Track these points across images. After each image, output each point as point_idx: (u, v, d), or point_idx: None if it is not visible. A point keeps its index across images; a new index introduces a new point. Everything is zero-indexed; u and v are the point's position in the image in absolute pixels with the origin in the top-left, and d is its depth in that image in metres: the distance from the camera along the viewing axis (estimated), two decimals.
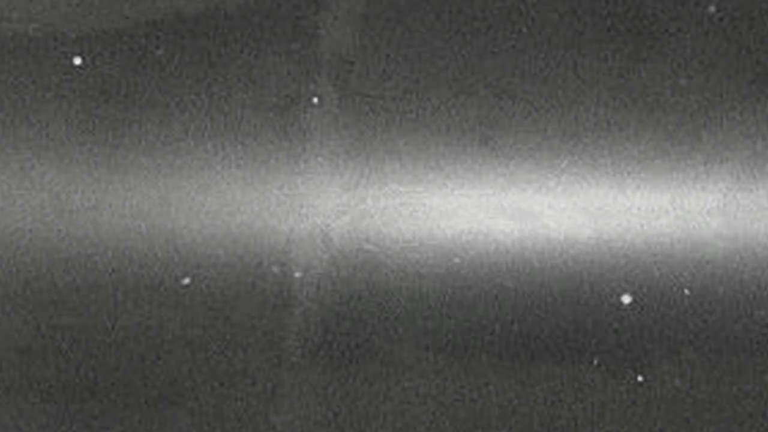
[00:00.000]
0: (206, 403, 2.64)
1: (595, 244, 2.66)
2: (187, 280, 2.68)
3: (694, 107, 2.63)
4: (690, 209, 2.60)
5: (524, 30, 2.68)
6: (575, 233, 2.70)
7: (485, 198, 2.67)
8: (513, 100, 2.67)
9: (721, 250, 2.57)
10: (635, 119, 2.65)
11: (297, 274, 2.65)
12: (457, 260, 2.68)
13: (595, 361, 2.54)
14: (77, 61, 2.72)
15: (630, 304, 2.56)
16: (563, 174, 2.66)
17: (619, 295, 2.56)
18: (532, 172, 2.66)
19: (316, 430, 2.67)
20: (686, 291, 2.59)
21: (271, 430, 2.67)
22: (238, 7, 2.72)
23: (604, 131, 2.64)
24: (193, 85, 2.71)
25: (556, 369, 2.64)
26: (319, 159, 2.72)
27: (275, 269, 2.69)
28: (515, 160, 2.65)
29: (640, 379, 2.54)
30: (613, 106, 2.65)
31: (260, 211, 2.69)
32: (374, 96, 2.66)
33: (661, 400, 2.55)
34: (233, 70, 2.68)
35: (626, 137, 2.65)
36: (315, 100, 2.66)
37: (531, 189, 2.69)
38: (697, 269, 2.57)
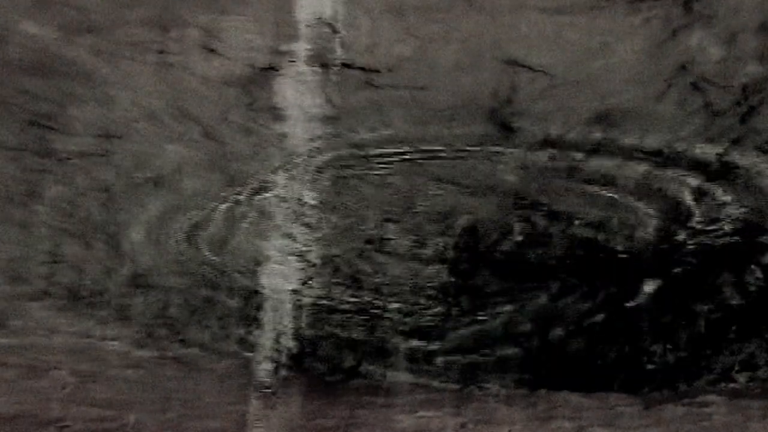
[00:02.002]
0: None
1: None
2: (138, 294, 2.37)
3: (744, 81, 2.29)
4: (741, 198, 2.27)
5: None
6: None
7: (492, 193, 2.32)
8: (531, 72, 2.31)
9: None
10: (676, 93, 2.29)
11: (267, 284, 2.35)
12: (462, 265, 2.40)
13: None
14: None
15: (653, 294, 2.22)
16: (593, 159, 2.30)
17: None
18: (556, 157, 2.30)
19: None
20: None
21: None
22: None
23: (640, 108, 2.29)
24: (141, 53, 2.30)
25: (580, 399, 2.30)
26: (296, 143, 2.34)
27: (242, 278, 2.36)
28: (535, 143, 2.29)
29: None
30: (650, 79, 2.30)
31: (222, 212, 2.33)
32: (362, 68, 2.28)
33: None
34: (191, 35, 2.31)
35: (666, 113, 2.30)
36: (291, 71, 2.29)
37: (551, 181, 2.32)
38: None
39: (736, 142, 2.29)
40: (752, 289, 2.24)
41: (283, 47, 2.32)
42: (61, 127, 2.36)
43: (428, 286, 2.35)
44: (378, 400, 2.29)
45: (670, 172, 2.29)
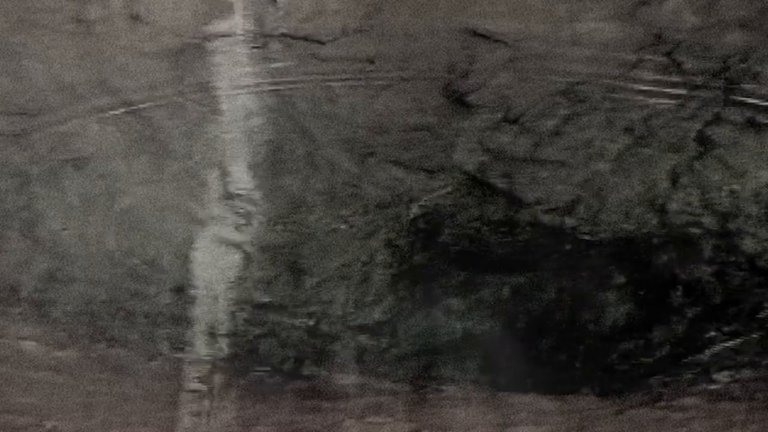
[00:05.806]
0: None
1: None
2: (57, 288, 2.23)
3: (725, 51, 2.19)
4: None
5: None
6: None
7: (447, 176, 2.19)
8: (490, 43, 2.18)
9: None
10: (650, 65, 2.17)
11: (200, 276, 2.22)
12: (415, 255, 2.26)
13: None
14: None
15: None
16: (559, 138, 2.17)
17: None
18: (518, 136, 2.17)
19: None
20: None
21: None
22: None
23: (610, 81, 2.16)
24: (59, 21, 2.18)
25: (546, 402, 2.18)
26: (231, 121, 2.20)
27: (173, 270, 2.19)
28: (494, 120, 2.16)
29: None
30: (621, 49, 2.17)
31: (154, 202, 2.19)
32: (304, 38, 2.18)
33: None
34: (114, 1, 2.19)
35: (638, 87, 2.17)
36: (225, 42, 2.19)
37: (512, 162, 2.19)
38: None
39: (716, 118, 2.18)
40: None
41: (217, 15, 2.24)
42: None
43: (378, 277, 2.22)
44: (323, 404, 2.18)
45: (647, 151, 2.18)
